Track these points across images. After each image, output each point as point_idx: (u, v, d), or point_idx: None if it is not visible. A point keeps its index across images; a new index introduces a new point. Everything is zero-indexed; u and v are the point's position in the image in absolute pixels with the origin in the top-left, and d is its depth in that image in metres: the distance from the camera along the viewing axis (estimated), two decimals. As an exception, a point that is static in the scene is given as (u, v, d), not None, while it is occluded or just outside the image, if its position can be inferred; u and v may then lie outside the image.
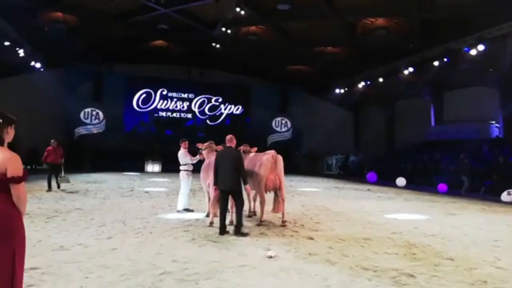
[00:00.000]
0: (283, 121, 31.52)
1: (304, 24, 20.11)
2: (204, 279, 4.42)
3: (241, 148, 9.05)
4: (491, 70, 21.80)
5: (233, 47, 23.34)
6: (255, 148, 9.13)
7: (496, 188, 16.18)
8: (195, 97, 29.80)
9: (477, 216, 9.90)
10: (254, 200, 8.98)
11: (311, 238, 6.66)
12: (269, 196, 8.09)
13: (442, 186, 16.95)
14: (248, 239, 6.50)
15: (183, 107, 29.68)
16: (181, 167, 9.08)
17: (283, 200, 7.92)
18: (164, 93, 29.18)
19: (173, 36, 22.75)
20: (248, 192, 7.76)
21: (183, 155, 9.02)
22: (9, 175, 2.83)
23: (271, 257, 5.30)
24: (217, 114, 30.26)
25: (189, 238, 6.36)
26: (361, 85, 25.87)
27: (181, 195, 9.04)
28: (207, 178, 7.75)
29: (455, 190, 16.49)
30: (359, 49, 22.83)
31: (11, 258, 2.85)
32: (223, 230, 6.73)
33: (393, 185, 19.19)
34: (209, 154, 8.53)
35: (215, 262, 5.09)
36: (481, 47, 17.02)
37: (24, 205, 2.97)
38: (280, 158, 7.83)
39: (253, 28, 21.21)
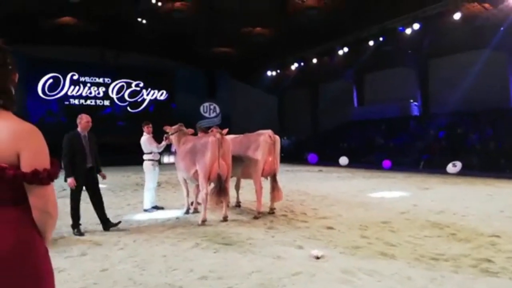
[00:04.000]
0: (212, 107, 30.06)
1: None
2: (266, 300, 3.20)
3: (214, 130, 7.75)
4: (409, 51, 22.75)
5: (155, 26, 21.24)
6: (226, 130, 7.89)
7: (434, 161, 17.03)
8: (112, 82, 26.78)
9: (450, 189, 9.90)
10: (238, 189, 7.79)
11: (331, 228, 5.72)
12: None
13: (386, 163, 17.31)
14: (261, 235, 5.32)
15: (98, 93, 26.48)
16: (145, 156, 7.41)
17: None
18: (75, 77, 25.67)
19: (83, 10, 19.67)
20: None
21: (147, 142, 7.35)
22: (26, 167, 1.38)
23: (318, 257, 4.22)
24: (139, 100, 27.61)
25: (192, 244, 4.96)
26: (293, 67, 25.66)
27: (147, 190, 7.42)
28: (191, 167, 6.30)
29: (398, 166, 16.97)
30: (289, 30, 22.26)
31: None
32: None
33: (336, 164, 19.19)
34: (181, 139, 7.06)
35: (255, 272, 3.86)
36: (416, 26, 17.56)
37: (52, 226, 1.54)
38: (278, 138, 6.71)
39: (177, 4, 19.34)
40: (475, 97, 18.96)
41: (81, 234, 5.57)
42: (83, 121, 5.72)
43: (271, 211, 6.85)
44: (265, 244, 4.91)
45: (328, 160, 20.49)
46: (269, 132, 6.62)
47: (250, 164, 6.49)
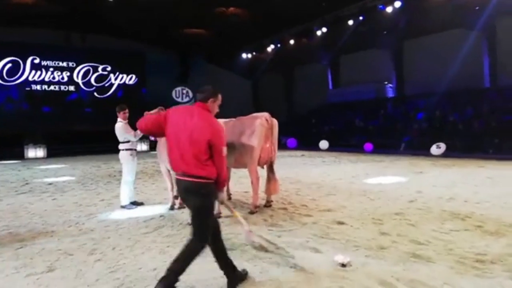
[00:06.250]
0: (184, 91, 28.86)
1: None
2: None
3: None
4: (385, 32, 22.27)
5: (122, 5, 19.73)
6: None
7: (415, 143, 16.77)
8: (76, 66, 25.04)
9: (444, 172, 9.48)
10: (228, 179, 6.97)
11: (341, 223, 5.02)
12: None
13: (368, 146, 16.92)
14: (265, 236, 4.52)
15: (62, 78, 24.69)
16: (121, 146, 6.43)
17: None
18: (36, 61, 23.80)
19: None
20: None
21: (122, 129, 6.36)
22: None
23: (344, 265, 3.51)
24: (106, 85, 26.01)
25: (184, 249, 4.13)
26: (270, 49, 24.82)
27: (124, 183, 6.46)
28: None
29: (379, 149, 16.60)
30: (265, 10, 21.16)
31: None
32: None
33: (316, 148, 18.67)
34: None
35: (273, 288, 3.09)
36: (397, 4, 17.02)
37: None
38: (275, 122, 5.89)
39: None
40: (449, 78, 18.73)
41: None
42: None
43: (268, 204, 6.10)
44: (273, 247, 4.14)
45: (307, 144, 19.97)
46: (265, 115, 5.79)
47: (244, 151, 5.66)
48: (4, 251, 4.29)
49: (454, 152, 14.22)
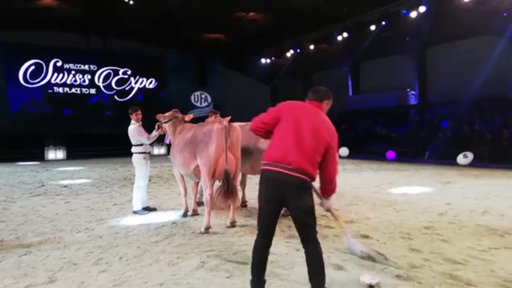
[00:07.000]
0: (203, 96, 28.78)
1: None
2: None
3: (217, 116, 6.56)
4: (407, 39, 21.67)
5: (142, 8, 19.80)
6: (229, 118, 6.64)
7: (439, 152, 16.11)
8: (98, 69, 25.27)
9: (474, 183, 8.92)
10: (244, 186, 6.70)
11: (366, 236, 4.65)
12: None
13: (390, 154, 16.37)
14: (283, 248, 4.20)
15: (83, 80, 24.92)
16: (135, 149, 6.21)
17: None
18: (59, 64, 24.08)
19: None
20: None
21: (135, 132, 6.14)
22: None
23: (372, 286, 3.13)
24: (127, 88, 26.14)
25: (196, 262, 3.81)
26: (289, 54, 24.51)
27: (137, 188, 6.22)
28: (191, 161, 5.14)
29: (402, 157, 16.03)
30: (285, 15, 20.87)
31: None
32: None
33: (336, 156, 18.17)
34: (177, 127, 5.89)
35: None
36: (422, 9, 16.46)
37: None
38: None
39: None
40: (475, 86, 17.96)
41: None
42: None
43: (286, 214, 5.74)
44: (291, 262, 3.80)
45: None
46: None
47: (261, 157, 5.30)
48: (7, 258, 4.08)
49: (482, 162, 13.58)
